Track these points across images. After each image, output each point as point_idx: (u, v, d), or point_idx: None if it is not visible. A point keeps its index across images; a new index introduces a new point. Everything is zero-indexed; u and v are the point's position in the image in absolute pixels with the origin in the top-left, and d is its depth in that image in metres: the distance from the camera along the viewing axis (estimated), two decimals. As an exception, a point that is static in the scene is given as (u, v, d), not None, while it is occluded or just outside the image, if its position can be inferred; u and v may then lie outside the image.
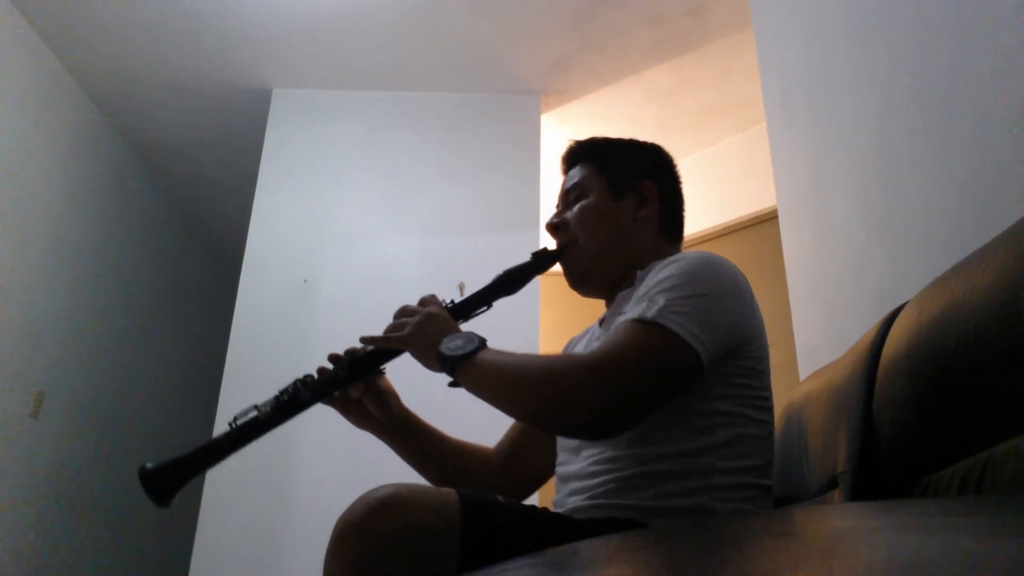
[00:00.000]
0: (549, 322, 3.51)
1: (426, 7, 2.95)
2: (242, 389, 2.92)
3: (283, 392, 1.07)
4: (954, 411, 0.73)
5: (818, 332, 1.82)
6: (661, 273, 0.96)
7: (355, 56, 3.24)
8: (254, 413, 1.06)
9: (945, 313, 0.75)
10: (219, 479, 2.79)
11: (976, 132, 1.07)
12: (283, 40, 3.13)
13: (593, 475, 0.96)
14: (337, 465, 2.70)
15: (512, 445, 1.19)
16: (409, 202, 3.27)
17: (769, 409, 1.00)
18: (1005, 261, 0.67)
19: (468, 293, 1.14)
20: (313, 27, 3.06)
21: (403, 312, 1.09)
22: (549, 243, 1.21)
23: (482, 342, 0.99)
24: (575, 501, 0.97)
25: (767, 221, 3.33)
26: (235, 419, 1.05)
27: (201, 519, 2.75)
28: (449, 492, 0.81)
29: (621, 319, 0.93)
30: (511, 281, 1.14)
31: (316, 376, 1.10)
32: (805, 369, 1.87)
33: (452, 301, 1.12)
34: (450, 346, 0.98)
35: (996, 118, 1.02)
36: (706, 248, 3.57)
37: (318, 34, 3.10)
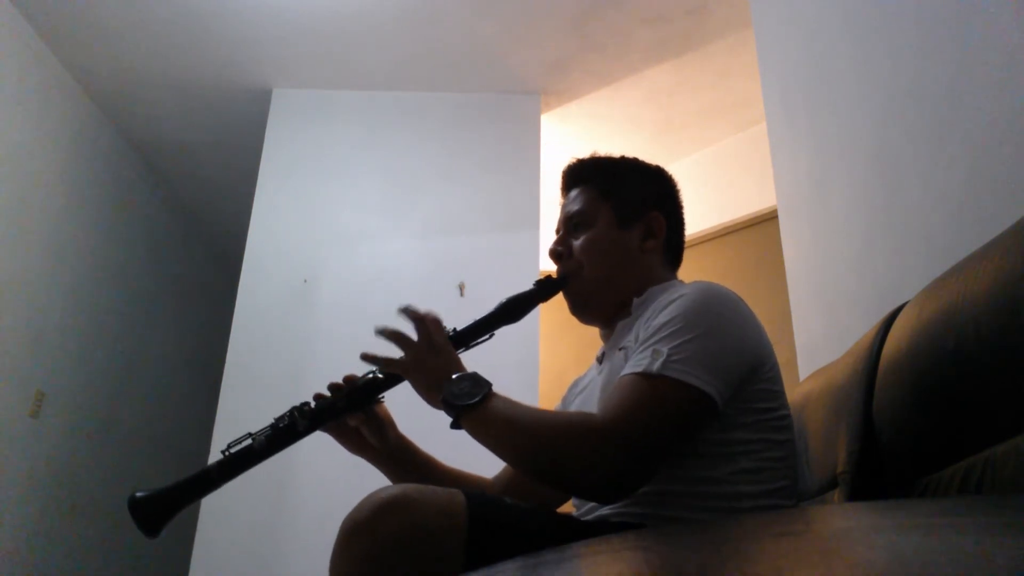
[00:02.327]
0: (549, 321, 3.51)
1: (426, 7, 2.95)
2: (242, 389, 2.92)
3: (279, 420, 1.05)
4: (954, 411, 0.73)
5: (818, 332, 1.82)
6: (660, 316, 0.94)
7: (355, 56, 3.24)
8: (248, 442, 1.03)
9: (945, 313, 0.75)
10: (219, 479, 2.78)
11: (976, 132, 1.07)
12: (283, 40, 3.13)
13: None
14: (337, 465, 2.69)
15: (511, 477, 1.17)
16: (409, 202, 3.27)
17: (788, 428, 0.99)
18: (1005, 261, 0.67)
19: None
20: (313, 27, 3.06)
21: (406, 342, 1.04)
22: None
23: (489, 388, 0.95)
24: (594, 515, 0.97)
25: (767, 221, 3.33)
26: (228, 447, 1.03)
27: (201, 519, 2.75)
28: (455, 492, 0.81)
29: (623, 372, 0.91)
30: (514, 309, 1.11)
31: (313, 404, 1.07)
32: (805, 369, 1.87)
33: (455, 329, 1.09)
34: (455, 391, 0.95)
35: (996, 118, 1.02)
36: (707, 248, 3.58)
37: (318, 34, 3.10)
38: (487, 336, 1.11)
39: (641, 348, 0.92)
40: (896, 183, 1.35)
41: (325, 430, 1.11)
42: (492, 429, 0.92)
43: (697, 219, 3.64)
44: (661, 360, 0.87)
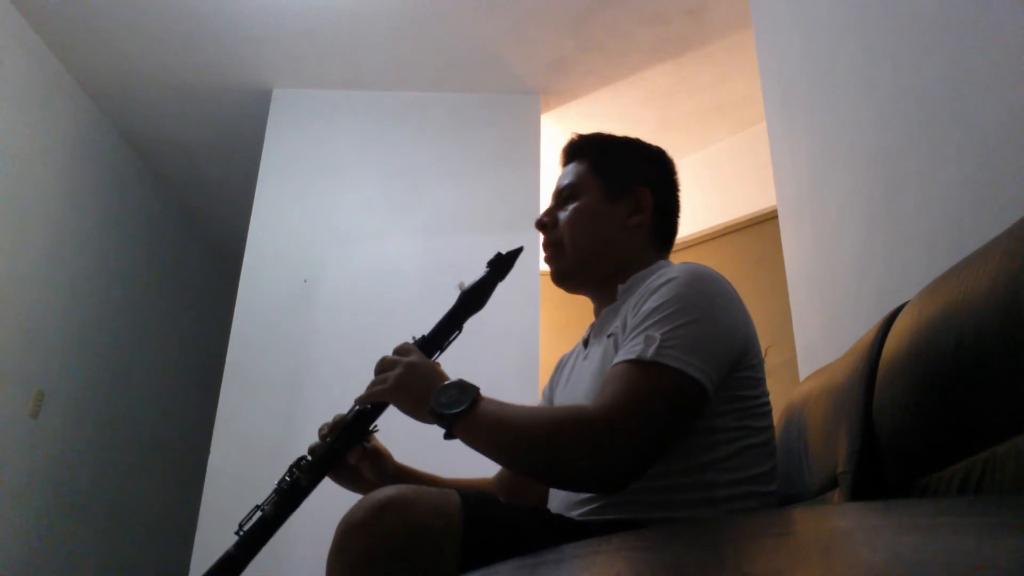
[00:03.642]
0: (549, 321, 3.51)
1: (426, 7, 2.95)
2: (242, 389, 2.92)
3: (281, 483, 1.02)
4: (954, 411, 0.73)
5: (818, 332, 1.82)
6: (650, 300, 0.93)
7: (355, 56, 3.24)
8: (259, 514, 1.01)
9: (945, 313, 0.75)
10: (219, 479, 2.78)
11: (976, 132, 1.07)
12: (283, 40, 3.13)
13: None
14: (337, 465, 2.70)
15: (503, 478, 1.18)
16: (409, 202, 3.27)
17: (768, 414, 0.99)
18: (1005, 261, 0.67)
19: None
20: (313, 27, 3.06)
21: (383, 365, 1.02)
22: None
23: (476, 393, 0.93)
24: (576, 512, 0.96)
25: (767, 221, 3.33)
26: (240, 526, 1.00)
27: (201, 519, 2.75)
28: (451, 493, 0.81)
29: (616, 359, 0.91)
30: (474, 297, 1.10)
31: (309, 457, 1.05)
32: (805, 369, 1.87)
33: (423, 336, 1.07)
34: (442, 400, 0.92)
35: (996, 118, 1.02)
36: (707, 248, 3.58)
37: (318, 34, 3.10)
38: (457, 332, 1.09)
39: (633, 334, 0.91)
40: (896, 183, 1.35)
41: (329, 476, 1.07)
42: (485, 433, 0.90)
43: (697, 219, 3.65)
44: (655, 346, 0.86)
